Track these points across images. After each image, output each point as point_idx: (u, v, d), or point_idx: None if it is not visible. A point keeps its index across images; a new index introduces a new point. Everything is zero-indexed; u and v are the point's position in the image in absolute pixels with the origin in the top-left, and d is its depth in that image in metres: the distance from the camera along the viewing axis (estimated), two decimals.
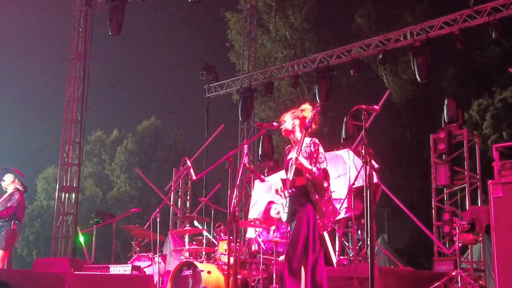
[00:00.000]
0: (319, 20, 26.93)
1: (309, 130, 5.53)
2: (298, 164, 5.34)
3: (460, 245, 8.29)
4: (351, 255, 9.64)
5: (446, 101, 12.20)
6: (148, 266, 8.71)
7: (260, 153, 15.19)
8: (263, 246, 8.18)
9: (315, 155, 5.46)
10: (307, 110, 5.68)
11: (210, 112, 17.11)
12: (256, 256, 8.10)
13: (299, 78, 15.70)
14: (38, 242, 36.15)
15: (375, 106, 5.11)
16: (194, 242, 8.93)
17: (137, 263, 8.69)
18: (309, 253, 5.28)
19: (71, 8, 15.42)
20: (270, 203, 9.27)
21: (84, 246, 12.47)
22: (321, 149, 5.52)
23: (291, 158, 5.49)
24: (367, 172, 4.73)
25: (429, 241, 13.32)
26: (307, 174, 5.40)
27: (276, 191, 5.64)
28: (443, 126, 12.15)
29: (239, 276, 7.43)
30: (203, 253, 8.32)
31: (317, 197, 5.38)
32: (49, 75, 37.53)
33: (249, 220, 9.57)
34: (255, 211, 10.89)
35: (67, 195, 14.54)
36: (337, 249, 10.08)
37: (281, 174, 6.21)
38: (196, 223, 9.86)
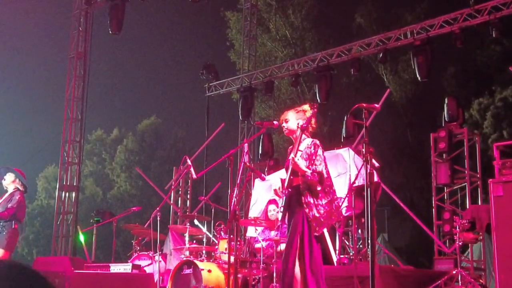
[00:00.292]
0: (320, 19, 26.93)
1: (305, 131, 5.51)
2: (294, 165, 5.34)
3: (460, 244, 8.28)
4: (351, 254, 9.64)
5: (446, 100, 12.19)
6: (149, 265, 8.71)
7: (260, 152, 15.18)
8: (263, 245, 8.17)
9: (313, 157, 5.44)
10: (308, 111, 5.66)
11: (210, 111, 17.11)
12: (256, 255, 8.09)
13: (299, 77, 15.69)
14: (39, 241, 36.17)
15: (376, 105, 5.11)
16: (194, 241, 8.92)
17: (137, 262, 8.69)
18: (305, 255, 5.27)
19: (71, 7, 15.41)
20: (270, 202, 9.26)
21: (84, 245, 12.48)
22: (320, 152, 5.48)
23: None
24: (368, 171, 4.73)
25: (429, 240, 13.33)
26: (301, 176, 5.38)
27: (275, 191, 5.64)
28: (443, 125, 12.14)
29: (239, 275, 7.43)
30: (204, 252, 8.31)
31: (309, 199, 5.35)
32: (49, 74, 37.56)
33: (249, 218, 9.57)
34: (255, 210, 10.89)
35: (67, 194, 14.54)
36: (337, 248, 10.08)
37: (282, 173, 6.21)
38: (196, 222, 9.86)
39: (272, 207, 8.71)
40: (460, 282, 7.91)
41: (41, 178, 39.33)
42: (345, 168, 9.64)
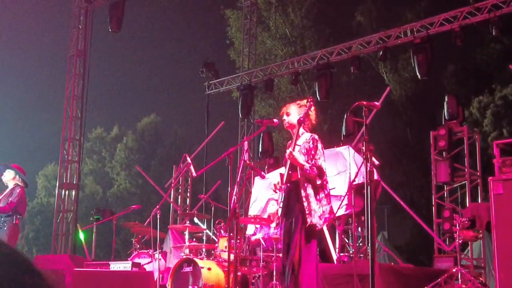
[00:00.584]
0: (319, 17, 26.91)
1: (303, 125, 5.50)
2: (291, 159, 5.33)
3: (460, 242, 8.28)
4: (351, 252, 9.64)
5: (446, 98, 12.19)
6: (148, 263, 8.71)
7: (260, 150, 15.18)
8: (263, 243, 8.17)
9: (312, 152, 5.43)
10: (312, 109, 5.66)
11: (210, 109, 17.11)
12: (256, 252, 8.09)
13: (299, 75, 15.68)
14: (38, 239, 36.19)
15: (376, 103, 5.10)
16: (194, 239, 8.92)
17: (137, 260, 8.69)
18: (302, 251, 5.26)
19: (71, 5, 15.40)
20: (270, 200, 9.26)
21: (84, 243, 12.48)
22: (319, 146, 5.48)
23: None
24: (368, 169, 4.72)
25: (429, 238, 13.34)
26: (299, 170, 5.38)
27: (274, 185, 5.63)
28: (443, 123, 12.14)
29: (239, 273, 7.43)
30: (203, 250, 8.31)
31: (310, 193, 5.35)
32: (49, 72, 37.55)
33: (249, 217, 9.57)
34: (255, 208, 10.88)
35: (67, 192, 14.54)
36: (337, 246, 10.08)
37: (282, 171, 6.19)
38: (196, 220, 9.86)
39: (272, 202, 8.71)
40: (460, 280, 7.91)
41: (41, 176, 39.34)
42: (345, 166, 9.63)
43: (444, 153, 12.01)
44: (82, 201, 30.15)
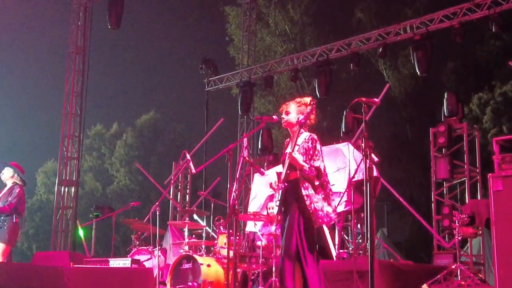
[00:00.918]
0: (319, 13, 26.86)
1: (303, 126, 5.49)
2: (291, 159, 5.33)
3: (459, 238, 8.28)
4: (350, 248, 9.64)
5: (446, 95, 12.18)
6: (148, 259, 8.72)
7: (259, 147, 15.18)
8: (263, 240, 8.17)
9: (311, 152, 5.43)
10: (310, 107, 5.65)
11: (210, 106, 17.10)
12: (256, 249, 8.09)
13: (299, 72, 15.67)
14: (38, 236, 36.19)
15: (375, 99, 5.09)
16: (193, 236, 8.92)
17: (136, 257, 8.69)
18: (305, 251, 5.26)
19: (70, 1, 15.36)
20: (270, 197, 9.26)
21: (83, 240, 12.47)
22: (318, 146, 5.48)
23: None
24: (367, 166, 4.72)
25: (428, 235, 13.34)
26: (298, 170, 5.37)
27: (270, 184, 5.63)
28: (443, 119, 12.14)
29: (238, 270, 7.43)
30: (203, 246, 8.32)
31: (310, 192, 5.35)
32: (48, 69, 37.45)
33: (248, 213, 9.57)
34: (254, 204, 10.89)
35: (66, 189, 14.54)
36: (336, 242, 10.08)
37: (279, 169, 6.19)
38: (195, 216, 9.86)
39: (270, 205, 8.70)
40: (459, 277, 7.92)
41: (41, 173, 39.31)
42: (344, 163, 9.62)
43: (443, 149, 12.01)
44: (82, 197, 30.13)
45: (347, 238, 10.51)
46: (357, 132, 12.11)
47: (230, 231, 6.29)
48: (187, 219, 8.80)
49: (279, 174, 5.58)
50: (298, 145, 5.44)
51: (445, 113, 12.06)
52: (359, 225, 9.73)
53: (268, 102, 25.62)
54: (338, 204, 9.06)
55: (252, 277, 7.76)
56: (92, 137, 39.40)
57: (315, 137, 5.50)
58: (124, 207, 10.76)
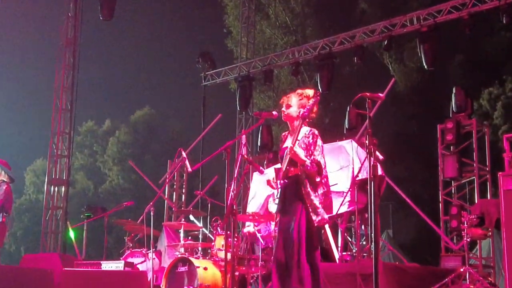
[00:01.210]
0: (321, 4, 26.80)
1: (305, 120, 5.48)
2: (293, 154, 5.32)
3: (468, 240, 8.29)
4: (354, 250, 9.65)
5: (454, 89, 12.17)
6: (142, 262, 8.72)
7: (259, 144, 15.18)
8: (262, 241, 8.18)
9: (312, 147, 5.43)
10: (312, 100, 5.63)
11: (207, 101, 17.08)
12: (254, 251, 8.10)
13: (300, 66, 15.67)
14: (27, 237, 36.17)
15: (380, 94, 5.09)
16: (189, 237, 8.93)
17: (130, 260, 8.71)
18: (302, 250, 5.26)
19: None
20: (270, 196, 9.26)
21: (74, 242, 12.46)
22: (319, 142, 5.49)
23: (287, 147, 5.46)
24: (371, 164, 4.71)
25: (436, 236, 13.34)
26: (300, 166, 5.37)
27: (268, 181, 5.62)
28: (451, 115, 12.13)
29: (236, 273, 7.43)
30: (199, 248, 8.32)
31: (309, 189, 5.35)
32: (37, 63, 37.41)
33: (247, 214, 9.57)
34: (253, 204, 10.88)
35: (56, 188, 14.53)
36: (339, 244, 10.09)
37: (277, 166, 6.17)
38: (191, 217, 9.86)
39: (271, 200, 8.72)
40: (468, 280, 7.92)
41: (29, 171, 39.31)
42: (347, 161, 9.63)
43: (451, 147, 12.01)
44: (72, 197, 30.10)
45: (350, 239, 10.52)
46: (361, 128, 12.10)
47: (228, 232, 6.28)
48: (183, 220, 8.82)
49: (277, 170, 5.58)
50: (299, 140, 5.44)
51: (453, 109, 12.06)
52: (363, 226, 9.73)
53: (268, 97, 25.60)
54: (341, 204, 9.07)
55: (251, 281, 7.77)
56: (83, 134, 39.39)
57: (316, 132, 5.51)
58: (117, 207, 10.77)
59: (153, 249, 8.60)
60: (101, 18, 13.53)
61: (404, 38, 18.44)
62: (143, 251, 8.87)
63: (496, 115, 19.74)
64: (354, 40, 13.80)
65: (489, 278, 9.11)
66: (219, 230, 8.22)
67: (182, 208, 14.60)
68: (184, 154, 8.67)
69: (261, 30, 26.25)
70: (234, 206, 5.49)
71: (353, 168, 9.27)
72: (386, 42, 13.31)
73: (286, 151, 5.46)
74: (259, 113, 6.00)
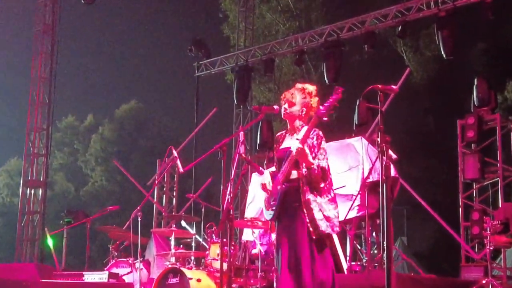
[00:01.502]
0: None
1: (321, 119, 5.41)
2: (301, 155, 5.29)
3: (491, 248, 8.30)
4: (364, 260, 9.66)
5: (475, 81, 12.17)
6: (128, 273, 8.72)
7: (258, 142, 15.17)
8: (262, 250, 8.18)
9: (315, 150, 5.42)
10: (314, 98, 5.64)
11: (200, 94, 17.09)
12: (254, 261, 8.11)
13: (304, 55, 15.65)
14: (0, 245, 36.19)
15: (393, 86, 5.09)
16: (181, 246, 8.93)
17: (115, 270, 8.70)
18: (316, 264, 5.27)
19: None
20: None
21: (53, 250, 12.47)
22: (323, 144, 5.48)
23: (289, 147, 5.45)
24: (384, 164, 4.72)
25: (455, 244, 13.35)
26: (303, 170, 5.36)
27: (264, 186, 5.60)
28: (472, 110, 12.14)
29: (234, 285, 7.44)
30: (192, 258, 8.32)
31: (309, 196, 5.34)
32: (11, 51, 37.37)
33: (245, 219, 9.57)
34: (252, 209, 10.90)
35: (33, 191, 14.54)
36: (348, 253, 10.10)
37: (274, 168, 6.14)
38: (183, 223, 9.87)
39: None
40: None
41: (2, 172, 39.30)
42: (357, 161, 9.65)
43: (473, 145, 12.01)
44: (51, 201, 30.09)
45: (360, 248, 10.53)
46: (371, 124, 12.11)
47: (224, 240, 6.28)
48: (174, 226, 8.80)
49: (274, 173, 5.57)
50: (298, 140, 5.43)
51: (475, 103, 12.06)
52: (374, 233, 9.74)
53: (269, 89, 25.60)
54: (349, 209, 9.08)
55: None
56: (63, 130, 39.39)
57: (321, 133, 5.50)
58: (101, 212, 10.79)
59: (141, 259, 8.60)
60: (82, 1, 13.51)
61: (420, 24, 18.46)
62: (130, 261, 8.87)
63: None
64: (365, 26, 13.80)
65: None
66: (214, 237, 8.22)
67: (173, 213, 14.59)
68: (175, 153, 8.65)
69: (261, 14, 26.25)
70: (231, 210, 5.48)
71: (363, 168, 9.28)
72: (400, 28, 13.31)
73: (287, 152, 5.44)
74: (259, 107, 5.99)
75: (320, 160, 5.39)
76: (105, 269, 8.94)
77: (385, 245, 4.80)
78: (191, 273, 7.59)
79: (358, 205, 9.21)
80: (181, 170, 8.55)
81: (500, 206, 11.06)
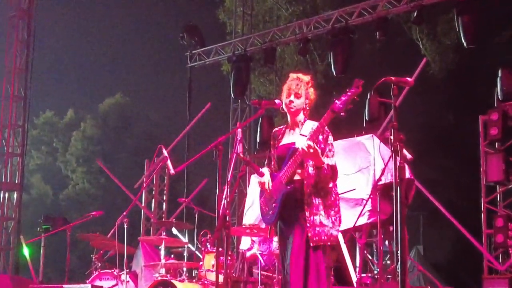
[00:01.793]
0: None
1: (337, 114, 5.40)
2: (311, 154, 5.28)
3: None
4: (376, 272, 9.67)
5: (500, 72, 12.17)
6: (113, 286, 8.74)
7: (258, 140, 15.19)
8: (262, 260, 8.19)
9: (322, 146, 5.43)
10: (311, 89, 5.68)
11: (193, 87, 17.09)
12: (252, 272, 8.12)
13: (309, 43, 15.67)
14: None
15: (408, 78, 5.10)
16: (172, 256, 8.94)
17: (98, 283, 8.73)
18: (311, 276, 5.28)
19: None
20: None
21: (29, 261, 12.50)
22: (331, 139, 5.51)
23: (291, 144, 5.46)
24: (398, 165, 4.72)
25: (476, 253, 13.36)
26: (310, 169, 5.36)
27: (261, 184, 5.62)
28: (495, 105, 12.13)
29: None
30: (184, 269, 8.33)
31: (315, 200, 5.35)
32: None
33: (243, 226, 9.58)
34: (251, 215, 10.91)
35: (7, 194, 14.55)
36: (357, 264, 10.11)
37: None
38: (175, 230, 9.88)
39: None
40: None
41: None
42: (367, 161, 9.65)
43: (496, 144, 12.01)
44: (27, 205, 30.14)
45: (371, 258, 10.54)
46: (384, 121, 12.12)
47: (220, 249, 6.27)
48: (164, 233, 8.81)
49: (274, 174, 5.58)
50: (305, 136, 5.44)
51: (499, 97, 12.06)
52: (386, 242, 9.75)
53: (269, 82, 25.59)
54: (359, 215, 9.09)
55: None
56: (40, 127, 39.41)
57: (327, 128, 5.51)
58: (82, 219, 10.77)
59: (127, 270, 8.62)
60: None
61: (438, 9, 18.45)
62: (115, 273, 8.88)
63: None
64: (376, 10, 13.80)
65: None
66: (208, 246, 8.22)
67: (163, 220, 14.61)
68: (165, 152, 8.65)
69: None
70: (227, 217, 5.49)
71: (374, 170, 9.29)
72: (415, 14, 13.31)
73: (291, 149, 5.44)
74: (258, 102, 6.00)
75: (328, 157, 5.41)
76: (87, 281, 8.96)
77: (399, 255, 4.80)
78: (183, 286, 7.60)
79: (369, 211, 9.21)
80: (172, 171, 8.54)
81: None
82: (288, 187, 5.42)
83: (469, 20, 12.34)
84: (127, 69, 43.57)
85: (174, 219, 11.73)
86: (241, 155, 6.10)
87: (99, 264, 9.42)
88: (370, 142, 9.78)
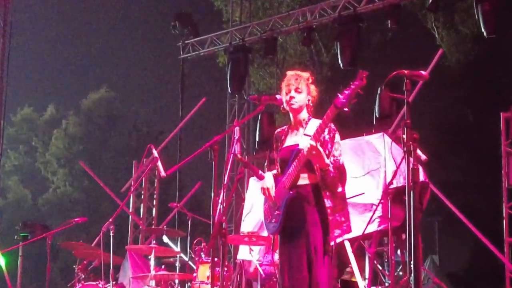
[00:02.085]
0: None
1: (340, 111, 5.41)
2: (314, 155, 5.30)
3: None
4: (387, 284, 9.69)
5: None
6: None
7: (257, 139, 15.20)
8: (262, 272, 8.20)
9: (329, 146, 5.44)
10: (313, 86, 5.73)
11: (186, 80, 17.10)
12: (252, 285, 8.13)
13: (314, 33, 15.68)
14: None
15: (423, 72, 5.11)
16: (163, 266, 8.95)
17: None
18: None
19: None
20: None
21: (5, 271, 12.50)
22: (338, 138, 5.52)
23: (295, 145, 5.47)
24: (411, 166, 4.73)
25: (497, 263, 13.39)
26: (319, 172, 5.38)
27: (264, 191, 5.63)
28: None
29: None
30: (176, 281, 8.34)
31: (329, 204, 5.37)
32: None
33: (241, 234, 9.59)
34: (250, 221, 10.92)
35: None
36: (367, 275, 10.12)
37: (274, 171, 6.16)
38: (165, 238, 9.89)
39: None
40: None
41: None
42: (377, 163, 9.66)
43: None
44: (3, 211, 30.16)
45: (382, 269, 10.55)
46: (396, 118, 12.13)
47: (215, 259, 6.28)
48: (154, 242, 8.82)
49: (278, 177, 5.59)
50: (309, 136, 5.45)
51: None
52: (398, 251, 9.76)
53: (270, 75, 25.60)
54: (369, 222, 9.09)
55: None
56: (18, 124, 39.39)
57: (333, 125, 5.52)
58: (64, 225, 10.77)
59: (113, 282, 8.62)
60: None
61: None
62: (100, 285, 8.89)
63: None
64: None
65: None
66: (202, 256, 8.24)
67: (153, 227, 14.62)
68: (155, 153, 8.65)
69: None
70: (224, 223, 5.50)
71: (385, 172, 9.29)
72: (431, 1, 13.33)
73: (295, 151, 5.46)
74: (258, 97, 6.02)
75: (335, 157, 5.41)
76: None
77: (412, 265, 4.81)
78: None
79: (379, 217, 9.22)
80: (162, 173, 8.54)
81: None
82: (291, 192, 5.43)
83: (489, 7, 12.35)
84: (113, 61, 43.61)
85: (165, 226, 11.78)
86: (239, 155, 6.11)
87: (83, 276, 9.43)
88: (380, 142, 9.78)
